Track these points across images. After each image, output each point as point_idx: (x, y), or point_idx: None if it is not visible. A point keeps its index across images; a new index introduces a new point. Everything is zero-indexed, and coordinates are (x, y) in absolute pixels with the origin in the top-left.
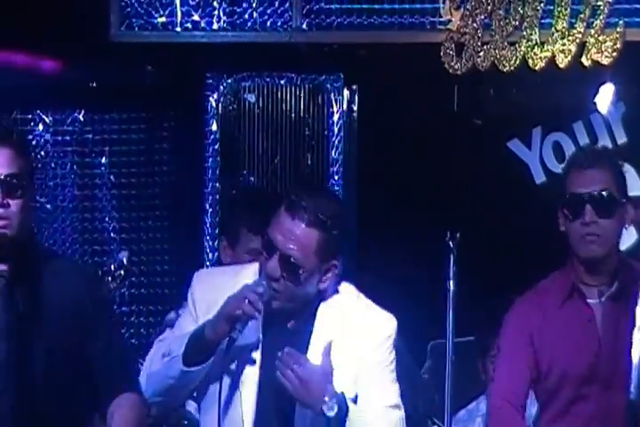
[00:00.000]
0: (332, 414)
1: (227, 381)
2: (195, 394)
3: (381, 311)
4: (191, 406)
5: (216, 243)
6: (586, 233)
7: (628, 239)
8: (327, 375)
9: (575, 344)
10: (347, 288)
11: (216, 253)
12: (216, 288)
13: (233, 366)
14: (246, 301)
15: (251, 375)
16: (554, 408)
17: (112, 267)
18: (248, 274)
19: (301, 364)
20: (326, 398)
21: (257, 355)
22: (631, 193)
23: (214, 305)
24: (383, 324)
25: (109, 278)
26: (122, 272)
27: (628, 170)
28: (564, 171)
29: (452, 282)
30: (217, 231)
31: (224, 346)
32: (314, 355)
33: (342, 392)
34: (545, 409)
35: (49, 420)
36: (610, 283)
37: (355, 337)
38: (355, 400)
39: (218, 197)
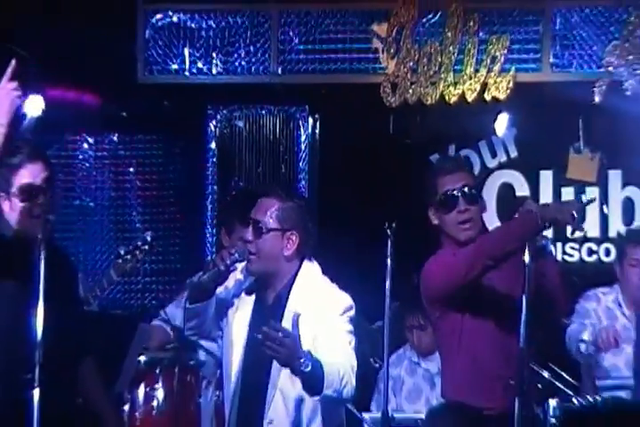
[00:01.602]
0: (308, 369)
1: (227, 332)
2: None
3: (340, 291)
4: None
5: (214, 231)
6: (462, 220)
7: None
8: (298, 341)
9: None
10: (313, 267)
11: (214, 238)
12: None
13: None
14: (219, 257)
15: (240, 336)
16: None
17: (139, 243)
18: None
19: (286, 334)
20: (302, 360)
21: (248, 315)
22: (520, 193)
23: None
24: (342, 300)
25: (138, 251)
26: (147, 247)
27: (518, 176)
28: (432, 176)
29: (389, 259)
30: (215, 222)
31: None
32: (286, 323)
33: (309, 350)
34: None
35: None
36: None
37: (320, 310)
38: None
39: (216, 196)
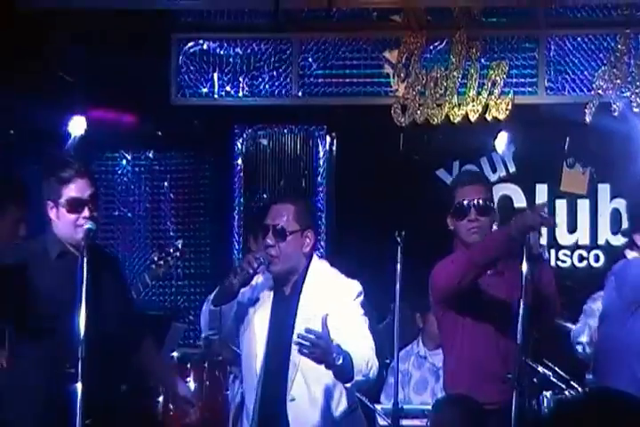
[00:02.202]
0: (340, 362)
1: (247, 327)
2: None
3: (348, 279)
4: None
5: (240, 238)
6: (471, 227)
7: None
8: (329, 340)
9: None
10: (322, 263)
11: (241, 245)
12: None
13: (252, 321)
14: (246, 261)
15: (262, 327)
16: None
17: (171, 250)
18: None
19: (319, 336)
20: (334, 355)
21: (268, 311)
22: (517, 204)
23: None
24: (352, 286)
25: (170, 258)
26: (178, 254)
27: (516, 188)
28: (452, 187)
29: (399, 264)
30: (241, 230)
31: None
32: (301, 315)
33: (337, 343)
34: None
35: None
36: None
37: (333, 298)
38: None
39: (242, 207)
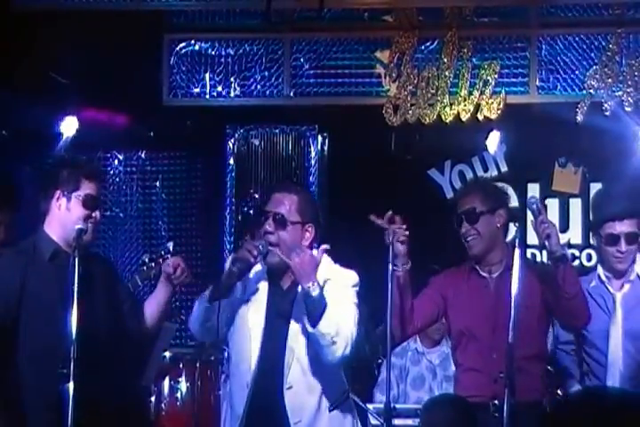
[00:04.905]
0: (315, 294)
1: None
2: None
3: (347, 269)
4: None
5: (232, 238)
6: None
7: None
8: (316, 265)
9: (476, 305)
10: (324, 257)
11: (232, 245)
12: None
13: (246, 311)
14: (245, 249)
15: (257, 321)
16: (461, 348)
17: (162, 252)
18: None
19: (311, 254)
20: (311, 282)
21: (263, 304)
22: (509, 204)
23: None
24: (350, 275)
25: (161, 260)
26: (169, 256)
27: (508, 188)
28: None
29: (391, 264)
30: (233, 230)
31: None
32: (296, 309)
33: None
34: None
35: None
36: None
37: (330, 284)
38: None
39: (233, 207)
